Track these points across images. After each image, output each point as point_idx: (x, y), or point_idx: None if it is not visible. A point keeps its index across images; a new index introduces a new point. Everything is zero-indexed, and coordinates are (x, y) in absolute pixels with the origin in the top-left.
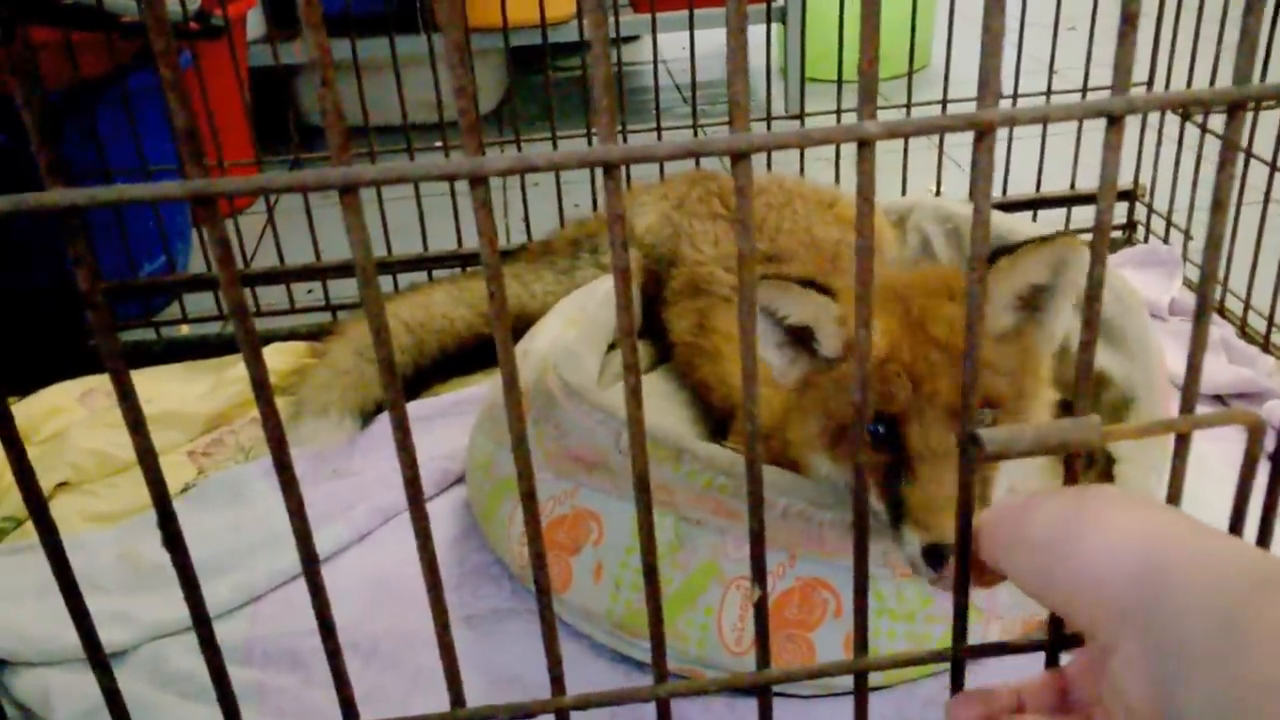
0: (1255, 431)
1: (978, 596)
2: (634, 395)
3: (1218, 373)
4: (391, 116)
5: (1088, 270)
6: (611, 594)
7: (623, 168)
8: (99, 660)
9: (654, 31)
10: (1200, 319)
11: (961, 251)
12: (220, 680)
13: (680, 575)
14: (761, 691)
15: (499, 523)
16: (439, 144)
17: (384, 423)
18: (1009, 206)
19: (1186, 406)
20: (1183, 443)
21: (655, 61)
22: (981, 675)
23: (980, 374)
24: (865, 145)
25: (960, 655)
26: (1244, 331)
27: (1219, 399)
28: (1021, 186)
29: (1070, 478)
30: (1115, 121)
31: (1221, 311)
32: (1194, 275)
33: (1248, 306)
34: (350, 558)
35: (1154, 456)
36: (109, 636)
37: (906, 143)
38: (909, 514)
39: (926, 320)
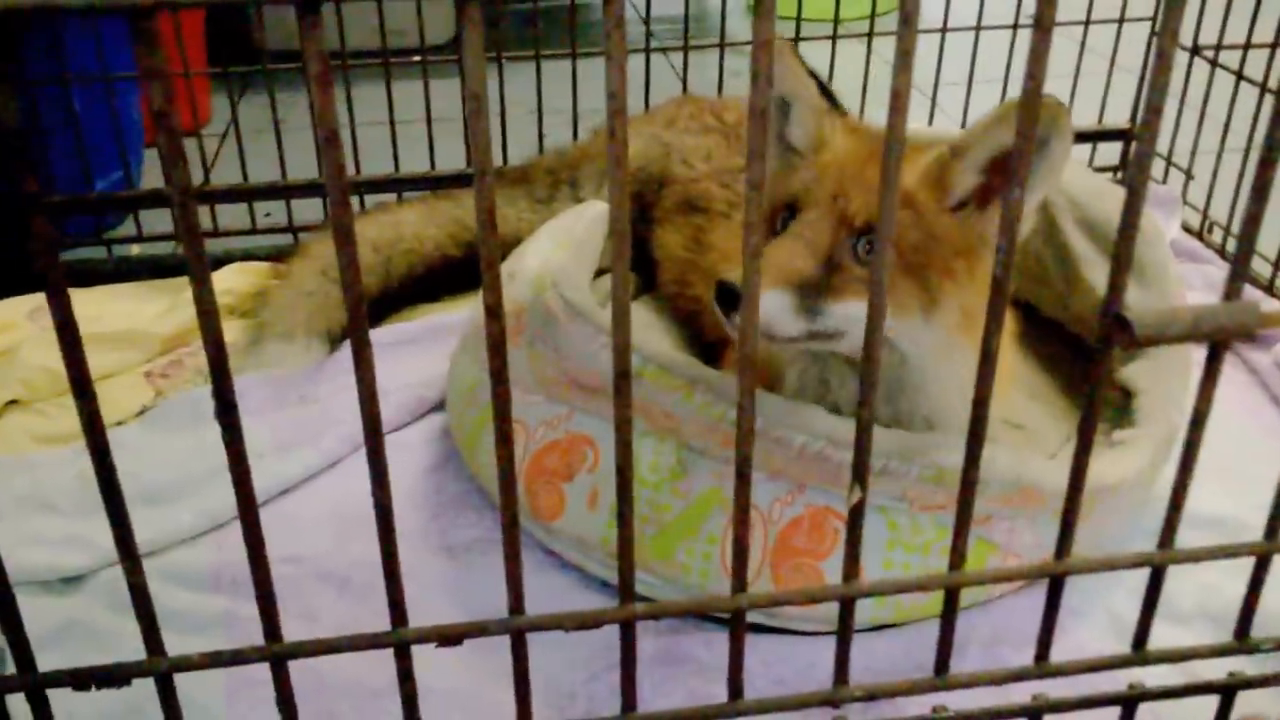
0: None
1: (996, 532)
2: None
3: None
4: (370, 39)
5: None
6: (607, 521)
7: None
8: (133, 566)
9: None
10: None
11: None
12: (261, 581)
13: (681, 503)
14: (844, 605)
15: (483, 450)
16: (416, 58)
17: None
18: None
19: None
20: None
21: None
22: (991, 615)
23: (874, 195)
24: None
25: (1060, 574)
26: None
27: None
28: None
29: (1211, 369)
30: None
31: (1223, 254)
32: (1191, 218)
33: (1252, 250)
34: (320, 485)
35: (1173, 389)
36: (65, 560)
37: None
38: None
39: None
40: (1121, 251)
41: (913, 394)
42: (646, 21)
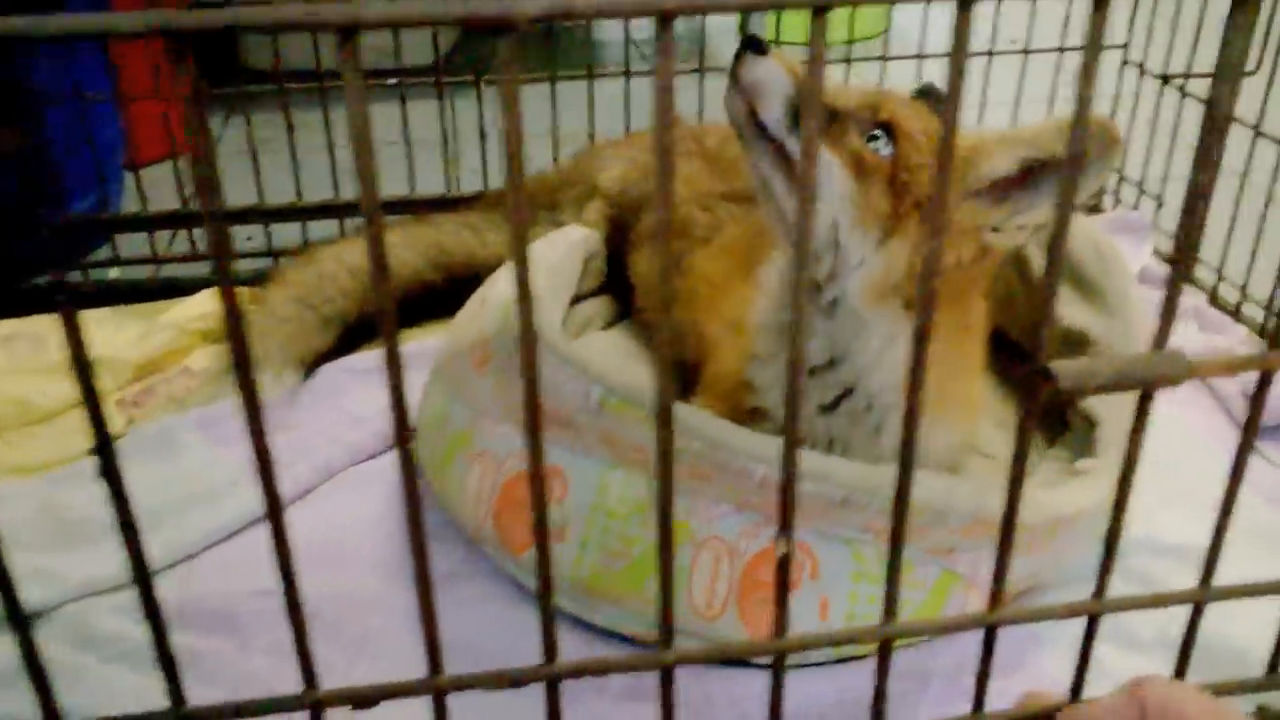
0: None
1: (960, 563)
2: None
3: (1189, 341)
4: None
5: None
6: (577, 555)
7: (675, 22)
8: (18, 619)
9: None
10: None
11: None
12: (161, 643)
13: (651, 535)
14: (777, 659)
15: (452, 481)
16: (393, 82)
17: (326, 375)
18: None
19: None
20: (1264, 385)
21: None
22: (956, 647)
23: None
24: (820, 13)
25: (993, 625)
26: (1214, 300)
27: None
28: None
29: (1140, 415)
30: None
31: (1192, 280)
32: (1163, 245)
33: (1220, 275)
34: (290, 517)
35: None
36: (27, 595)
37: None
38: None
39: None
40: (1048, 303)
41: (852, 354)
42: (627, 46)
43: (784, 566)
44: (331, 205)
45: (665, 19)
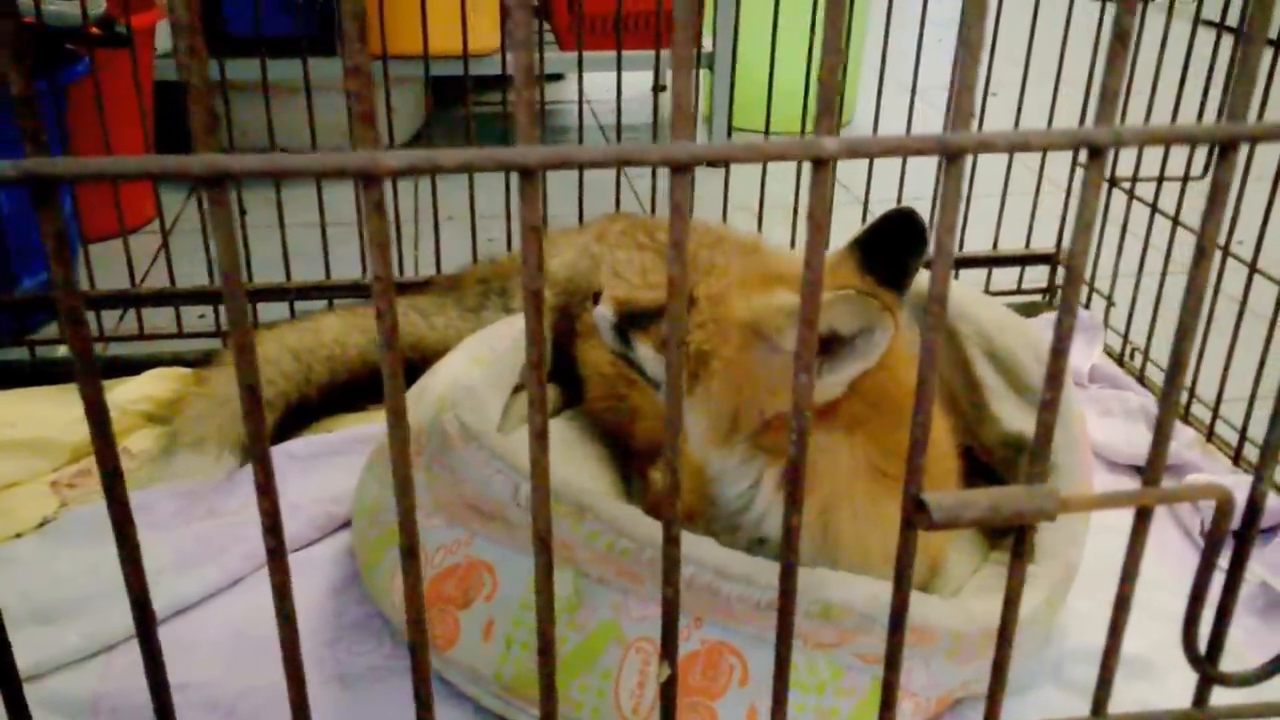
0: (1223, 505)
1: None
2: (540, 438)
3: (1140, 443)
4: (301, 140)
5: (1056, 325)
6: (502, 653)
7: (541, 175)
8: None
9: (580, 70)
10: (1169, 391)
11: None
12: None
13: (577, 636)
14: None
15: (382, 574)
16: None
17: None
18: (958, 263)
19: (1152, 479)
20: (1144, 517)
21: (580, 101)
22: None
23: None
24: (821, 165)
25: None
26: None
27: (1140, 470)
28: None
29: (1017, 553)
30: (1098, 154)
31: (1143, 380)
32: (1114, 342)
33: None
34: (218, 606)
35: (1075, 525)
36: None
37: (868, 194)
38: None
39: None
40: (915, 441)
41: (738, 507)
42: (581, 132)
43: (668, 690)
44: (284, 288)
45: (527, 174)
